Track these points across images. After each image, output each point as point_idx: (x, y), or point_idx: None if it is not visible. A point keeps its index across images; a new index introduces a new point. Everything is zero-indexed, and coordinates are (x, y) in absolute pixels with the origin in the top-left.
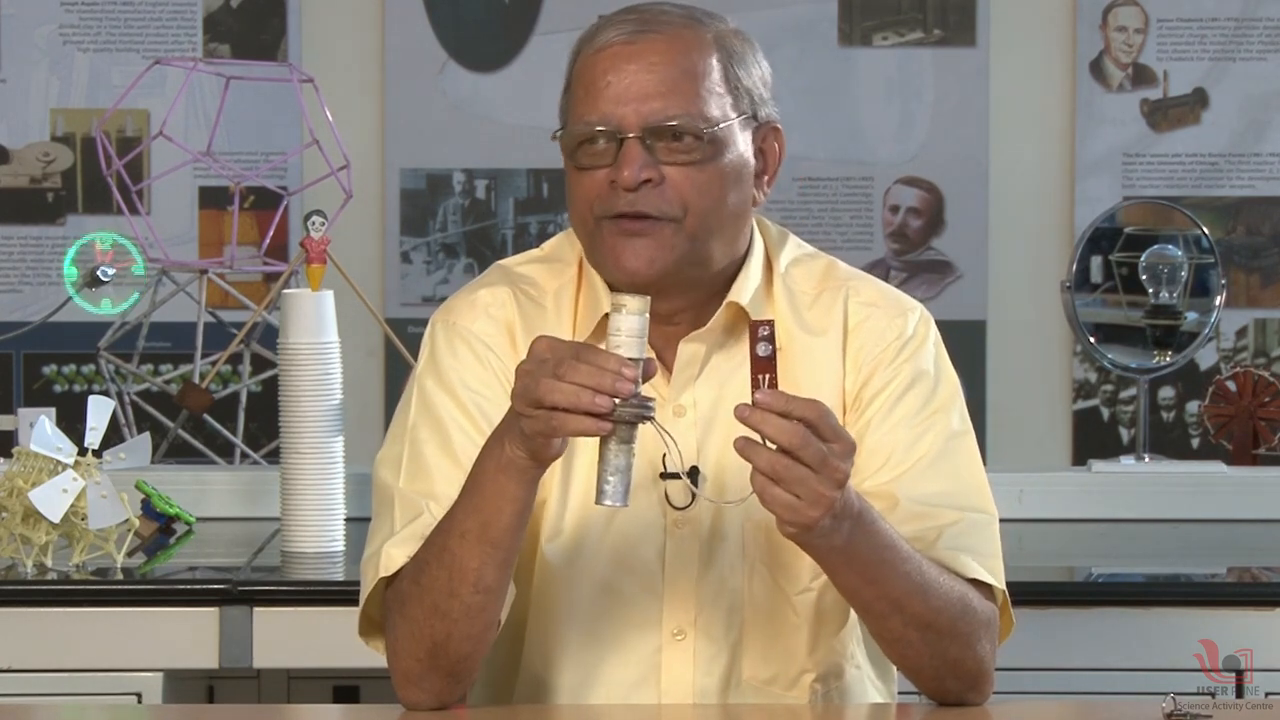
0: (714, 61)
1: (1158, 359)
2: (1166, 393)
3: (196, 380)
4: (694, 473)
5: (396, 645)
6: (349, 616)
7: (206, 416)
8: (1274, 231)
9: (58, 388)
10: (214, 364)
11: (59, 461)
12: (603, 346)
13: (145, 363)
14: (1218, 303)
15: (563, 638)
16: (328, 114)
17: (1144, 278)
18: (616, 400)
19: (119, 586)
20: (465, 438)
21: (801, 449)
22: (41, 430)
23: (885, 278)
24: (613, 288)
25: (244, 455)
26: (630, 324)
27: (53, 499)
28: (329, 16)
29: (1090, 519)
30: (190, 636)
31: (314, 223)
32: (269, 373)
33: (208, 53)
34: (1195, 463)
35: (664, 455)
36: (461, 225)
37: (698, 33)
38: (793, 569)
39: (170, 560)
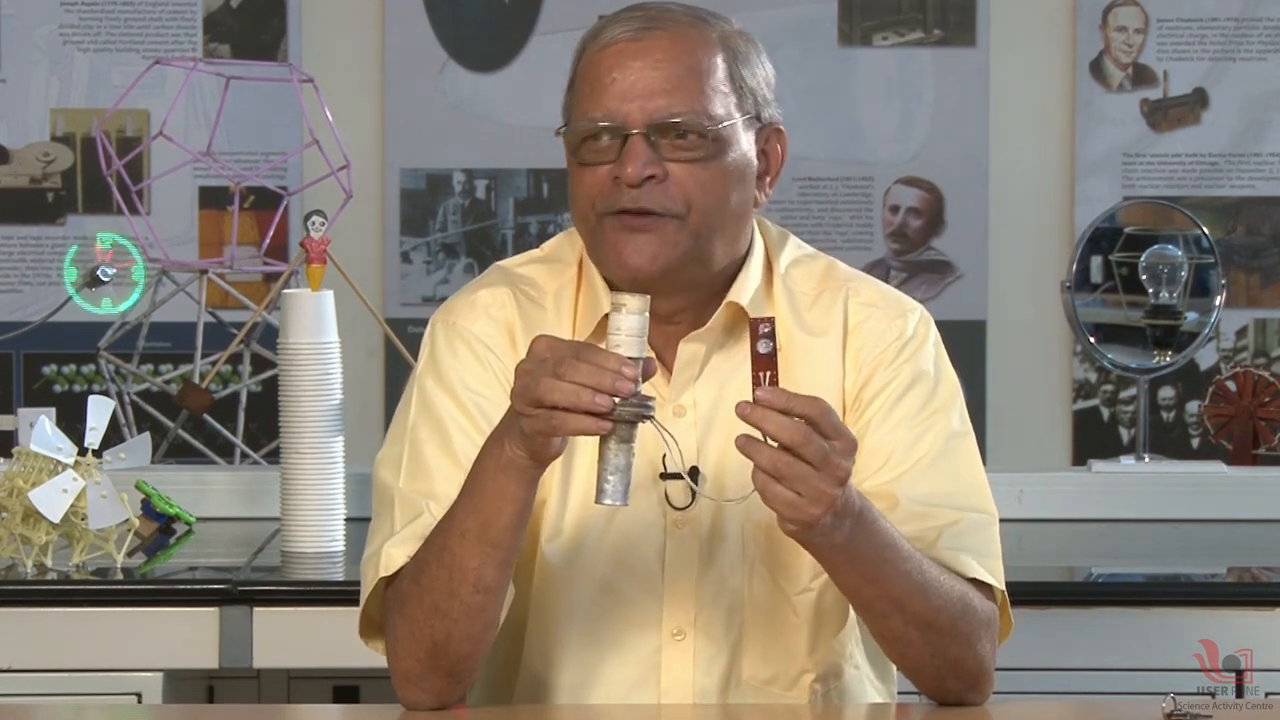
0: (719, 60)
1: (1158, 359)
2: (1166, 393)
3: (196, 380)
4: (694, 473)
5: (396, 645)
6: (349, 616)
7: (206, 416)
8: (1274, 231)
9: (58, 388)
10: (214, 364)
11: (59, 461)
12: (603, 346)
13: (145, 363)
14: (1218, 303)
15: (563, 638)
16: (328, 114)
17: (1144, 278)
18: (616, 399)
19: (119, 586)
20: (465, 438)
21: (803, 446)
22: (41, 430)
23: (885, 278)
24: (613, 287)
25: (244, 455)
26: (630, 323)
27: (53, 499)
28: (329, 16)
29: (1090, 519)
30: (190, 636)
31: (314, 223)
32: (269, 373)
33: (208, 53)
34: (1195, 463)
35: (664, 455)
36: (461, 225)
37: (703, 31)
38: (792, 569)
39: (170, 560)
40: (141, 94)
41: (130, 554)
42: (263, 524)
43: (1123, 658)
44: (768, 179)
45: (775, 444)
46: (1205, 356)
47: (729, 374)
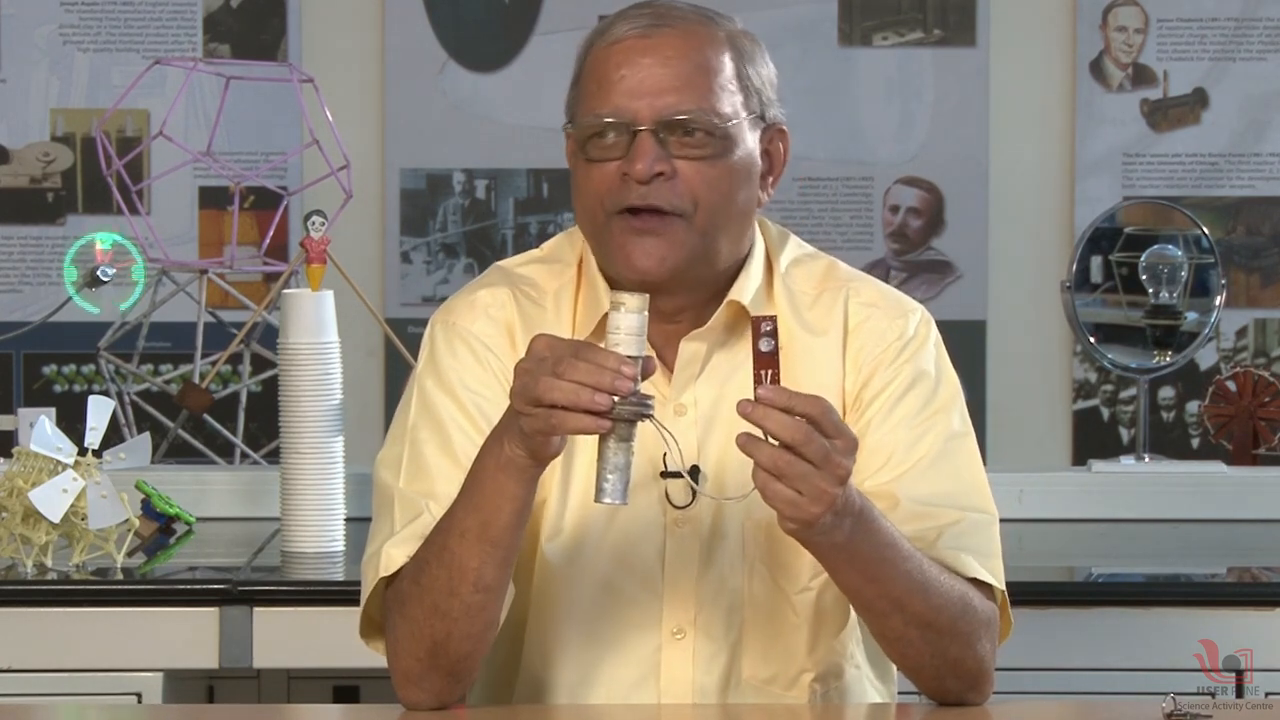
0: (726, 59)
1: (1158, 359)
2: (1166, 393)
3: (196, 380)
4: (694, 471)
5: (396, 645)
6: (349, 616)
7: (206, 416)
8: (1274, 231)
9: (58, 388)
10: (214, 364)
11: (59, 461)
12: (602, 345)
13: (145, 363)
14: (1218, 303)
15: (563, 637)
16: (328, 114)
17: (1144, 278)
18: (615, 398)
19: (119, 586)
20: (465, 438)
21: (804, 445)
22: (41, 430)
23: (885, 278)
24: (613, 286)
25: (244, 455)
26: (629, 322)
27: (53, 499)
28: (329, 16)
29: (1090, 519)
30: (190, 636)
31: (314, 223)
32: (269, 373)
33: (208, 53)
34: (1195, 463)
35: (665, 454)
36: (461, 225)
37: (711, 30)
38: (792, 568)
39: (170, 560)
40: (141, 94)
41: (130, 554)
42: (263, 524)
43: (1123, 658)
44: (770, 179)
45: (776, 442)
46: (1205, 356)
47: (730, 373)
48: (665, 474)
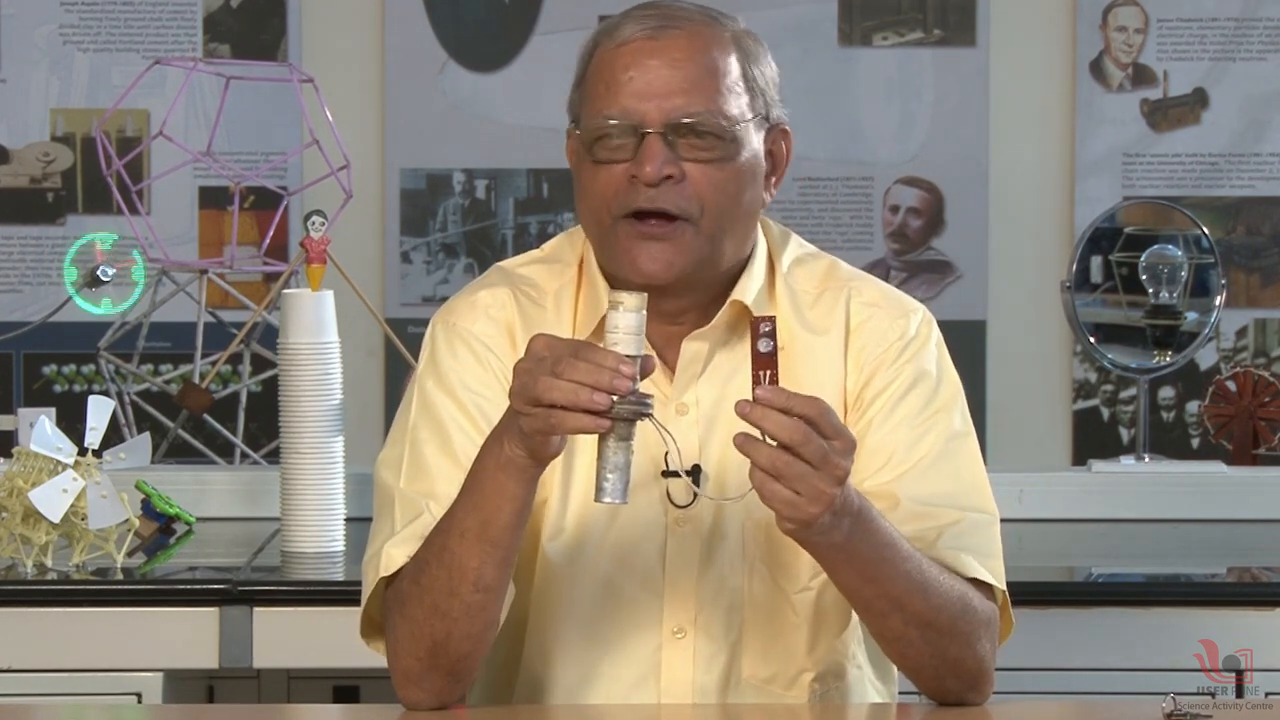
0: (733, 60)
1: (1158, 359)
2: (1166, 393)
3: (196, 380)
4: (696, 471)
5: (396, 645)
6: (349, 616)
7: (206, 416)
8: (1274, 231)
9: (58, 388)
10: (214, 364)
11: (59, 461)
12: (601, 344)
13: (145, 363)
14: (1218, 303)
15: (563, 636)
16: (328, 114)
17: (1144, 278)
18: (614, 397)
19: (119, 586)
20: (465, 438)
21: (802, 445)
22: (41, 430)
23: (885, 278)
24: (614, 287)
25: (244, 455)
26: (628, 321)
27: (53, 499)
28: (329, 16)
29: (1090, 519)
30: (190, 636)
31: (314, 223)
32: (269, 373)
33: (208, 53)
34: (1195, 463)
35: (666, 453)
36: (461, 225)
37: (717, 31)
38: (792, 568)
39: (170, 560)
40: (141, 94)
41: (130, 554)
42: (263, 524)
43: (1123, 658)
44: (774, 179)
45: (774, 443)
46: (1205, 356)
47: (732, 372)
48: (666, 473)
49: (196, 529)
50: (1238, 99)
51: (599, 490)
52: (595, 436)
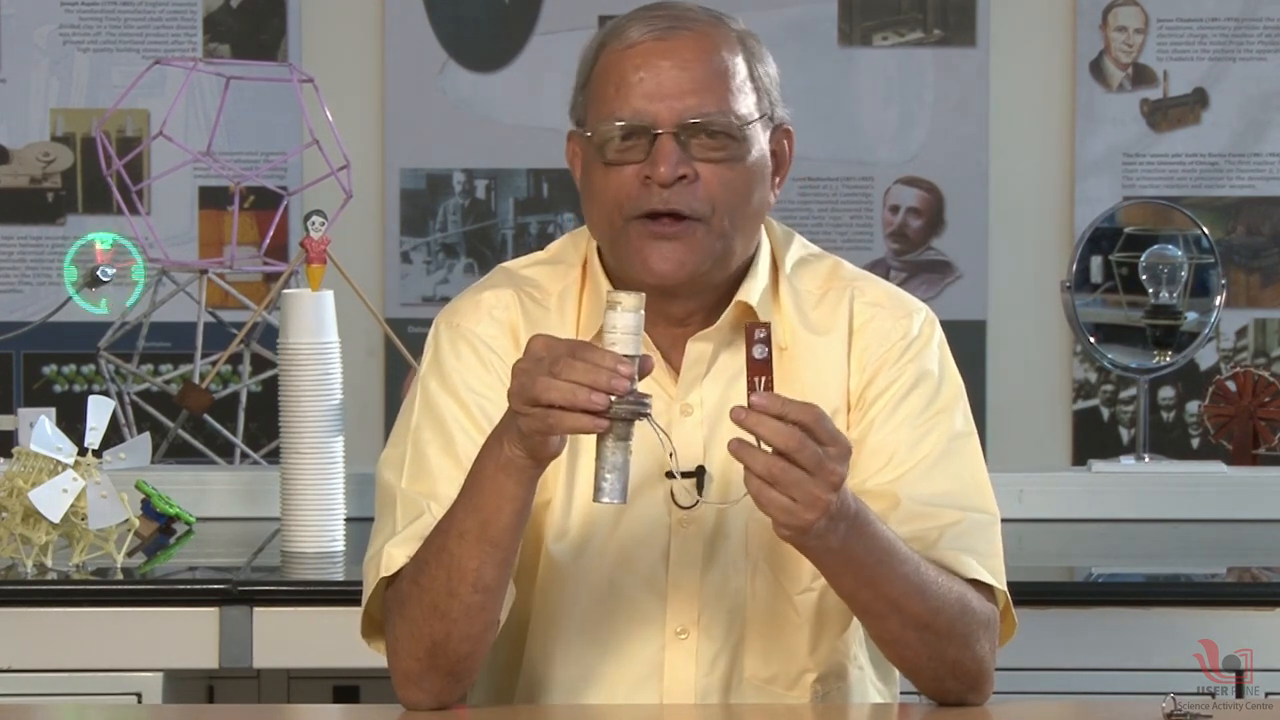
0: (740, 60)
1: (1158, 359)
2: (1166, 393)
3: (196, 380)
4: (700, 472)
5: (396, 645)
6: (349, 616)
7: (206, 416)
8: (1274, 231)
9: (58, 388)
10: (214, 364)
11: (59, 461)
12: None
13: (145, 363)
14: (1218, 303)
15: (565, 636)
16: (328, 114)
17: (1144, 278)
18: (613, 397)
19: (119, 586)
20: (468, 439)
21: (797, 452)
22: (41, 430)
23: (885, 278)
24: (620, 288)
25: (244, 455)
26: (626, 321)
27: (53, 499)
28: (329, 16)
29: (1090, 519)
30: (190, 636)
31: (314, 223)
32: (269, 373)
33: (208, 53)
34: (1195, 463)
35: (670, 453)
36: (461, 225)
37: (724, 31)
38: (794, 569)
39: (170, 560)
40: (141, 94)
41: (130, 554)
42: (263, 524)
43: (1123, 658)
44: (777, 179)
45: (770, 449)
46: (1205, 356)
47: (736, 373)
48: (670, 474)
49: (196, 529)
50: (1238, 99)
51: (597, 490)
52: (595, 436)
